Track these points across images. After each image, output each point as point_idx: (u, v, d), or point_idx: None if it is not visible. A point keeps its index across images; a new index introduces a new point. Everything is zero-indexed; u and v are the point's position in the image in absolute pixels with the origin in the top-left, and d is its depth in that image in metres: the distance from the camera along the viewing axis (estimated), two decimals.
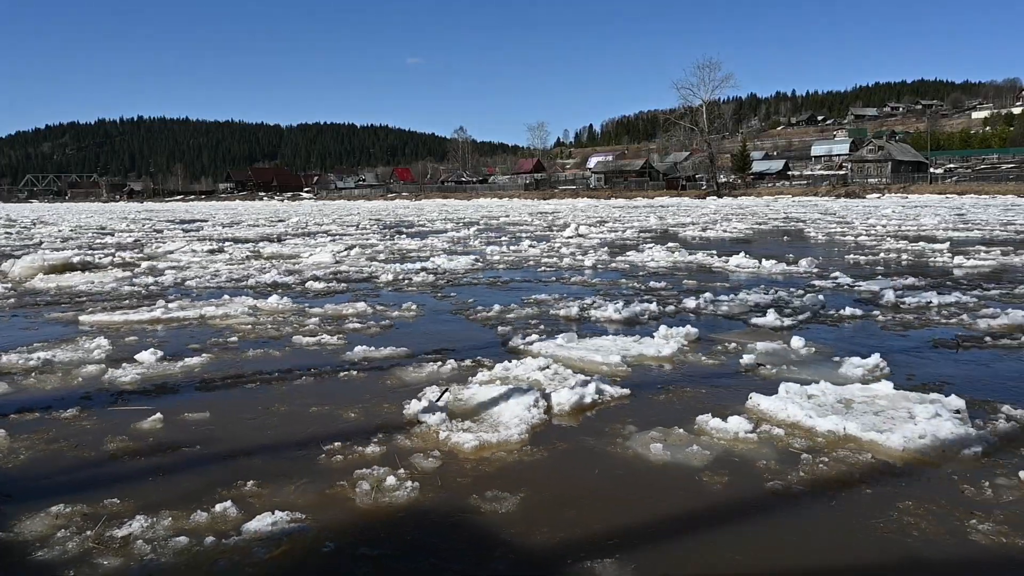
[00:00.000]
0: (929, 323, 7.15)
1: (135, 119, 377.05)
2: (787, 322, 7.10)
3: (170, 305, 8.35)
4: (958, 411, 4.16)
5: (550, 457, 3.78)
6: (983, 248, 15.07)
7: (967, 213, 31.87)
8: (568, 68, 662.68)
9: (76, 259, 12.83)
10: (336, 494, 3.35)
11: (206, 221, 37.05)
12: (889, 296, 8.46)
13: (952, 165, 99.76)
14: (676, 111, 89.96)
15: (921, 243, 16.73)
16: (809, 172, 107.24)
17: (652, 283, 10.25)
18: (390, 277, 11.08)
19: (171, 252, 16.53)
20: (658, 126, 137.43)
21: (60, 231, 27.96)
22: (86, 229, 29.27)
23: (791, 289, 9.34)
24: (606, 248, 16.29)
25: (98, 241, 21.50)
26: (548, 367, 5.18)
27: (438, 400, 4.38)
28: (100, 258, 14.44)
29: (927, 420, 3.93)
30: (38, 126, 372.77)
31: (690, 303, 8.24)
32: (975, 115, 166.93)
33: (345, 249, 15.95)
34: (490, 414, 4.21)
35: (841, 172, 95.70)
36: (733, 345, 6.13)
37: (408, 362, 5.67)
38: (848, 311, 7.67)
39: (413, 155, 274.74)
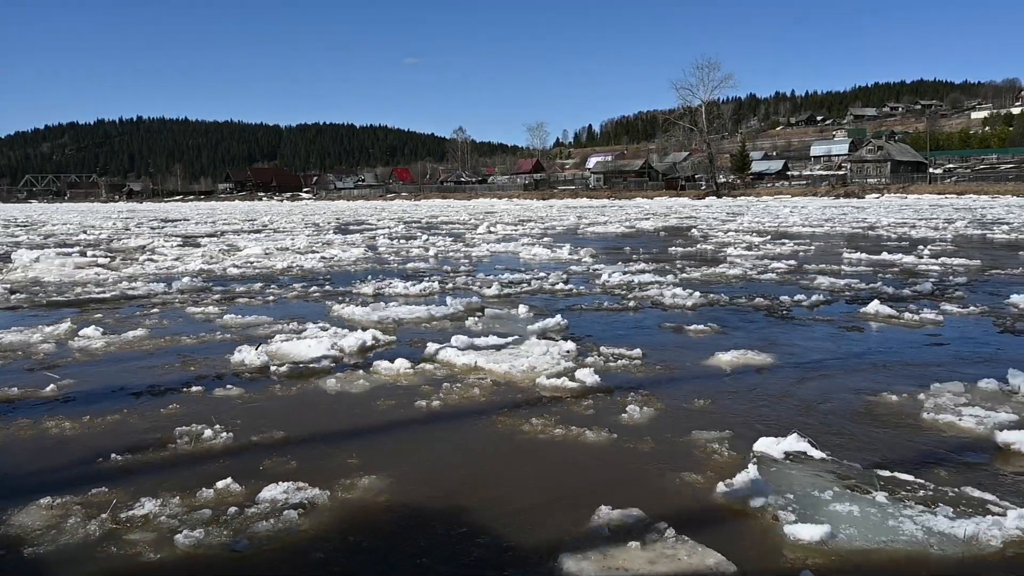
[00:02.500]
0: (620, 295, 9.52)
1: (134, 119, 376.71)
2: (510, 291, 9.86)
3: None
4: (568, 351, 5.89)
5: (299, 386, 5.36)
6: (786, 240, 18.30)
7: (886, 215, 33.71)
8: (568, 68, 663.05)
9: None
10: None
11: (188, 220, 40.72)
12: (610, 277, 11.02)
13: (951, 165, 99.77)
14: (675, 111, 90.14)
15: (752, 236, 20.16)
16: (808, 172, 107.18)
17: (461, 268, 13.24)
18: (285, 264, 13.93)
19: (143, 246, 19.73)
20: (657, 126, 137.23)
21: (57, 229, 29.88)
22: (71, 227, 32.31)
23: (560, 272, 11.94)
24: (483, 244, 18.90)
25: (73, 238, 24.42)
26: (344, 326, 7.26)
27: (256, 348, 6.10)
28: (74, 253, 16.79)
29: (539, 356, 5.72)
30: (37, 126, 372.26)
31: (463, 279, 11.22)
32: (974, 115, 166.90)
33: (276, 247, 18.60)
34: (299, 352, 6.09)
35: (840, 172, 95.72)
36: (462, 310, 8.25)
37: (260, 326, 7.52)
38: (574, 287, 10.30)
39: (412, 155, 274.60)
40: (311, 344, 6.14)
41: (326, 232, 25.85)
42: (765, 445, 3.60)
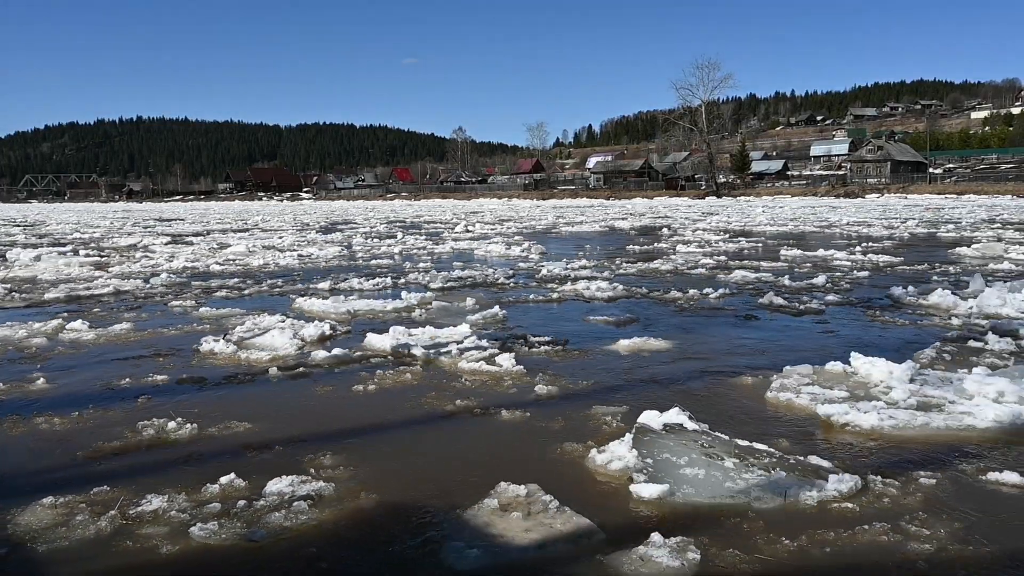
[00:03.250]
0: (552, 288, 10.35)
1: (134, 119, 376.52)
2: (453, 285, 10.79)
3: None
4: (495, 339, 6.56)
5: (258, 372, 5.92)
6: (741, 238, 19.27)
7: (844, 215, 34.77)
8: (568, 68, 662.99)
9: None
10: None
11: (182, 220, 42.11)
12: (549, 272, 12.13)
13: (951, 165, 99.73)
14: (675, 111, 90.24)
15: (713, 235, 21.37)
16: (808, 172, 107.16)
17: (420, 264, 14.09)
18: (263, 262, 14.72)
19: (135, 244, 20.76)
20: (657, 126, 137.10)
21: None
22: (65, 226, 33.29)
23: (507, 268, 13.06)
24: (450, 242, 19.92)
25: (67, 237, 25.53)
26: (305, 317, 7.83)
27: (223, 338, 6.68)
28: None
29: (467, 343, 6.33)
30: (37, 126, 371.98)
31: (415, 275, 12.14)
32: (974, 115, 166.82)
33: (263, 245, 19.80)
34: (265, 340, 6.62)
35: (840, 172, 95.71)
36: (415, 303, 8.80)
37: (231, 315, 8.22)
38: (514, 282, 11.14)
39: (412, 155, 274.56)
40: (274, 334, 6.63)
41: (310, 231, 26.87)
42: (647, 418, 4.01)
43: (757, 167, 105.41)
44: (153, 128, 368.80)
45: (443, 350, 6.11)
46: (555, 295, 9.64)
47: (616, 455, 3.67)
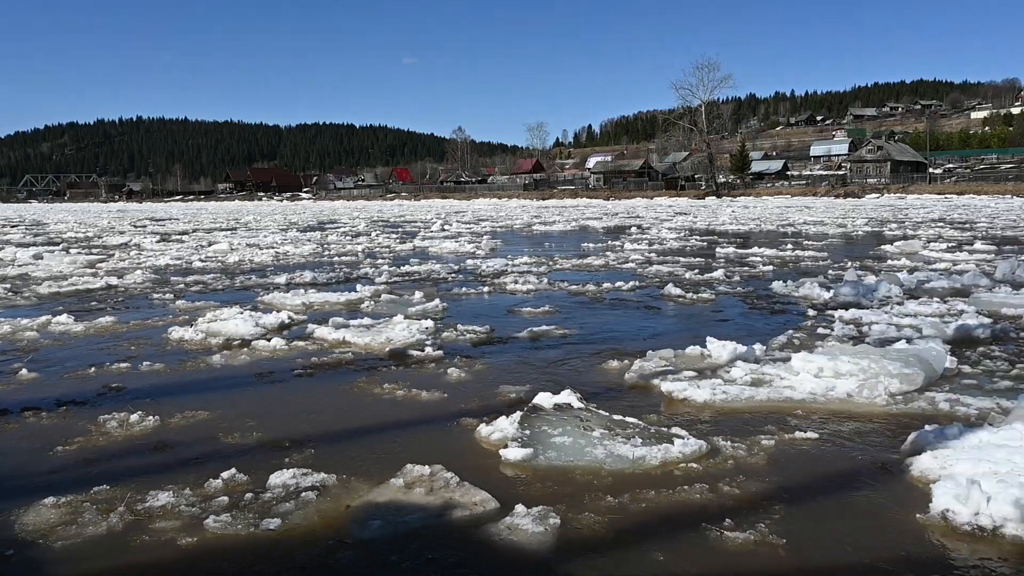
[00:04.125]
0: (490, 282, 11.18)
1: (134, 119, 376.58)
2: (399, 279, 11.69)
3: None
4: (427, 328, 7.06)
5: (218, 358, 6.40)
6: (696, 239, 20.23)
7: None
8: (567, 68, 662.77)
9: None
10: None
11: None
12: (490, 267, 13.07)
13: (951, 165, 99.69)
14: (675, 111, 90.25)
15: (671, 233, 22.60)
16: (808, 172, 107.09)
17: (380, 260, 15.27)
18: (239, 258, 15.59)
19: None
20: (657, 126, 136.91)
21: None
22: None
23: (453, 264, 13.91)
24: (415, 240, 21.35)
25: (62, 236, 27.01)
26: (264, 308, 8.59)
27: (192, 327, 7.34)
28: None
29: (400, 331, 6.88)
30: (37, 126, 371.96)
31: (367, 269, 13.16)
32: (974, 115, 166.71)
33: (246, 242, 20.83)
34: (227, 329, 7.17)
35: (840, 172, 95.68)
36: (368, 295, 9.52)
37: (204, 308, 8.73)
38: (459, 276, 12.03)
39: (412, 155, 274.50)
40: (237, 323, 7.22)
41: (292, 230, 28.11)
42: (541, 398, 4.48)
43: (757, 167, 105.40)
44: (153, 128, 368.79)
45: (378, 338, 6.69)
46: (487, 288, 10.49)
47: (498, 428, 4.14)
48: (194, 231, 28.48)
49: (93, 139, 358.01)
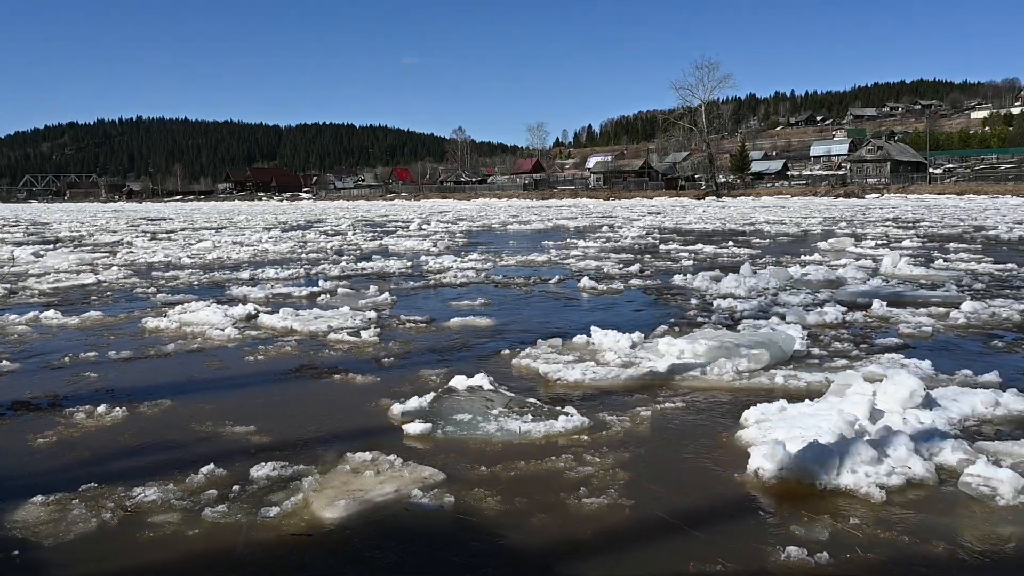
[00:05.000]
0: (436, 276, 12.22)
1: (134, 119, 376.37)
2: (350, 274, 12.69)
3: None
4: (371, 318, 7.80)
5: (182, 344, 7.12)
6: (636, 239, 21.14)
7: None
8: (568, 68, 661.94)
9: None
10: None
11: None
12: (439, 263, 14.08)
13: (951, 165, 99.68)
14: (675, 111, 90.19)
15: (633, 231, 23.69)
16: (808, 172, 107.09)
17: (344, 256, 16.33)
18: (219, 255, 16.57)
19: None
20: (657, 126, 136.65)
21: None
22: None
23: (407, 260, 14.90)
24: (384, 239, 22.37)
25: (57, 234, 28.51)
26: (233, 300, 9.44)
27: (165, 318, 8.04)
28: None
29: (344, 320, 7.58)
30: (37, 126, 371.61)
31: (325, 264, 14.18)
32: (974, 115, 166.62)
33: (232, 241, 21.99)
34: (199, 319, 7.85)
35: (840, 172, 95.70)
36: (329, 288, 10.29)
37: (181, 300, 9.39)
38: (411, 271, 13.03)
39: (412, 155, 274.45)
40: (207, 314, 7.86)
41: (276, 229, 29.33)
42: (456, 381, 5.00)
43: (757, 167, 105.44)
44: (153, 128, 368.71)
45: (323, 327, 7.36)
46: (432, 281, 11.52)
47: (410, 407, 4.61)
48: (182, 230, 29.62)
49: (93, 139, 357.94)
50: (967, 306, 7.89)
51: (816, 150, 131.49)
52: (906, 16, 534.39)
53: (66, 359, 6.32)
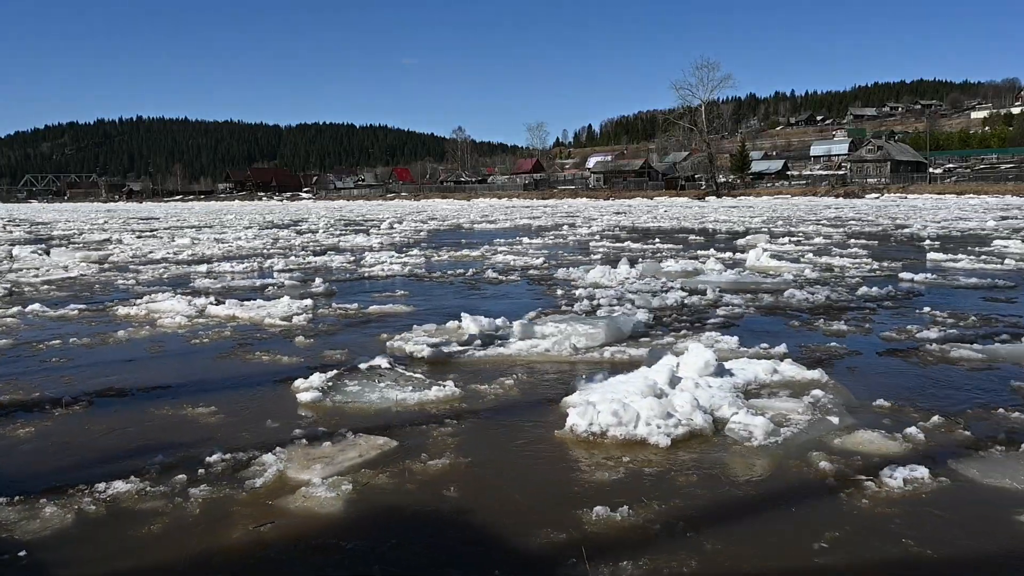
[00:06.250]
0: (372, 270, 13.37)
1: (134, 119, 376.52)
2: (302, 267, 14.01)
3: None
4: (306, 306, 8.58)
5: (147, 329, 7.99)
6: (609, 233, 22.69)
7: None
8: (568, 68, 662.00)
9: None
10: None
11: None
12: (378, 258, 15.24)
13: (951, 165, 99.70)
14: (675, 111, 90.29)
15: (585, 230, 25.09)
16: (808, 172, 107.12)
17: (300, 251, 17.80)
18: (192, 252, 17.69)
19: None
20: (657, 126, 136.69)
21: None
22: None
23: (351, 255, 16.30)
24: (346, 236, 23.57)
25: (52, 232, 29.85)
26: (196, 291, 10.47)
27: (135, 307, 8.94)
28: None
29: (281, 308, 8.42)
30: (37, 126, 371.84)
31: (275, 261, 15.17)
32: (974, 115, 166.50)
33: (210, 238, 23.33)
34: (163, 308, 8.71)
35: (840, 172, 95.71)
36: (283, 281, 11.50)
37: (153, 291, 10.36)
38: (353, 267, 14.06)
39: (412, 155, 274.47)
40: (172, 303, 8.80)
41: (256, 228, 30.85)
42: (359, 361, 5.81)
43: (757, 167, 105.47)
44: (153, 128, 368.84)
45: (263, 314, 8.17)
46: (367, 274, 12.71)
47: (311, 383, 5.22)
48: (167, 229, 31.30)
49: (93, 139, 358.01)
50: (788, 293, 9.22)
51: (816, 150, 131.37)
52: (906, 16, 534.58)
53: (41, 346, 6.95)
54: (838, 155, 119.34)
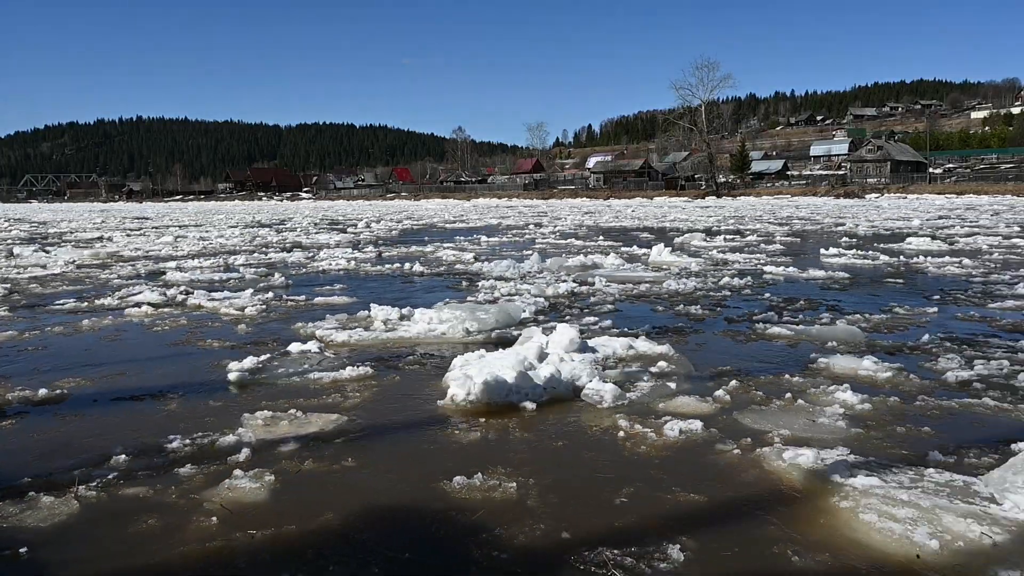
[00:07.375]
0: (333, 266, 14.26)
1: (134, 119, 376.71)
2: (266, 262, 14.98)
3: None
4: (268, 297, 9.49)
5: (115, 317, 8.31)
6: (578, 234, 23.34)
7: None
8: (568, 68, 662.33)
9: None
10: None
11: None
12: (334, 254, 16.62)
13: (951, 165, 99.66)
14: (675, 111, 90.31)
15: (558, 229, 26.29)
16: (808, 172, 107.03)
17: (266, 249, 18.52)
18: (171, 249, 18.64)
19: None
20: (657, 126, 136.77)
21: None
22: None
23: (315, 251, 17.50)
24: (316, 235, 24.76)
25: (47, 231, 30.81)
26: (168, 283, 11.40)
27: (113, 297, 9.15)
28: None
29: (246, 299, 9.21)
30: (37, 126, 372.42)
31: (240, 258, 15.81)
32: (974, 115, 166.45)
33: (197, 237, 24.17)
34: (138, 299, 9.48)
35: (840, 172, 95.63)
36: (249, 276, 12.32)
37: (130, 284, 11.37)
38: (313, 264, 14.71)
39: (412, 155, 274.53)
40: (145, 295, 9.60)
41: (240, 227, 31.82)
42: (291, 346, 6.46)
43: (757, 167, 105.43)
44: (153, 128, 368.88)
45: (223, 304, 8.96)
46: (321, 268, 13.75)
47: (243, 364, 5.80)
48: (155, 228, 32.48)
49: (93, 139, 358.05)
50: (667, 284, 10.30)
51: (816, 150, 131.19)
52: (906, 16, 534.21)
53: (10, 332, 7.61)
54: (838, 155, 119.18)
